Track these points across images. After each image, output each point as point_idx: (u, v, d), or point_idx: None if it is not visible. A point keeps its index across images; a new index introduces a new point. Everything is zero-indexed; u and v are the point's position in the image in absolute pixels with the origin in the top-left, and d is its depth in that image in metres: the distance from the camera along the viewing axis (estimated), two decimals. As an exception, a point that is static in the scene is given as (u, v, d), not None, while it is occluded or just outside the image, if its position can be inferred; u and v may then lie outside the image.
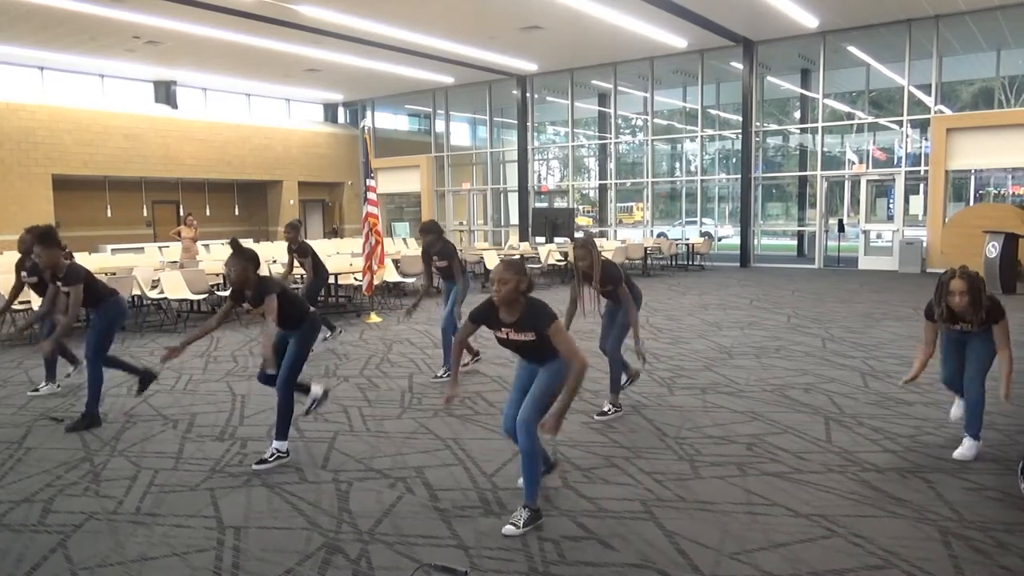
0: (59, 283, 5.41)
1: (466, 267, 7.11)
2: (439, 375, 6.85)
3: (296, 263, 8.68)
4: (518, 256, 3.62)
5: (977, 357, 4.36)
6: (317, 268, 8.57)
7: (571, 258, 14.52)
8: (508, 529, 3.49)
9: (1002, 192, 18.83)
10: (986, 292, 4.24)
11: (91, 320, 5.61)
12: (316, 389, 4.87)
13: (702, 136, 19.86)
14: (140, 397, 5.98)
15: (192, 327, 10.05)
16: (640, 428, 5.16)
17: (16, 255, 6.82)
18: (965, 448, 4.40)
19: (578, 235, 6.51)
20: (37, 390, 6.48)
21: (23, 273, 6.57)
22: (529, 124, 22.31)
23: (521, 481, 3.67)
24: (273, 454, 4.52)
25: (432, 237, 6.87)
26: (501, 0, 14.22)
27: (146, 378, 5.88)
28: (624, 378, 5.65)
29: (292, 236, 8.62)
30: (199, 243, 15.91)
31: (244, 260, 4.41)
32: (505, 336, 3.62)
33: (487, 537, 3.48)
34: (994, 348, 4.31)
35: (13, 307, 9.02)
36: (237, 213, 24.05)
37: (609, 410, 5.44)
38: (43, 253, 5.34)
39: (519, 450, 3.61)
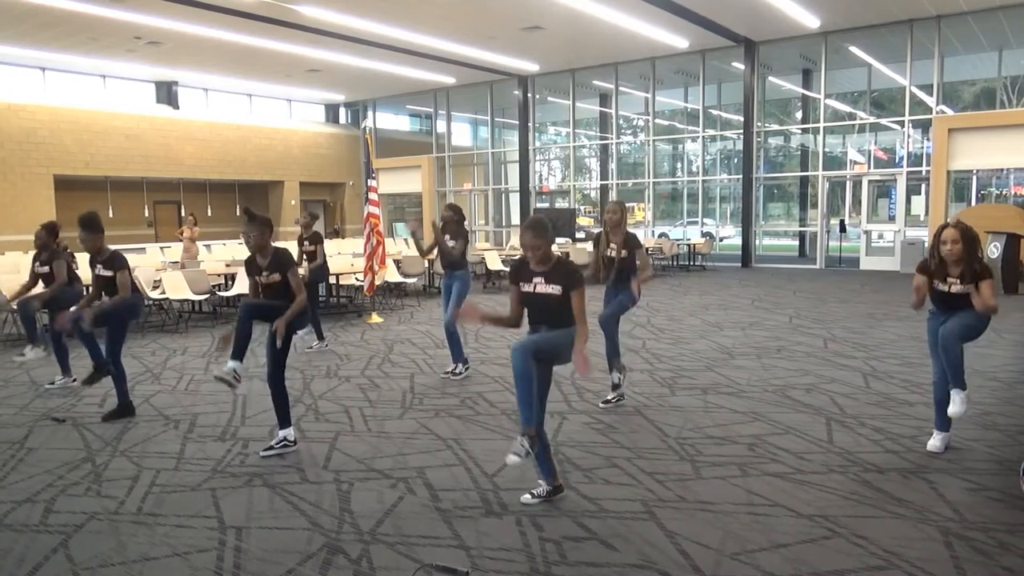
0: (100, 266, 5.58)
1: (467, 263, 7.09)
2: (457, 372, 6.83)
3: (305, 253, 8.66)
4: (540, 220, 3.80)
5: (956, 321, 4.34)
6: (324, 260, 8.56)
7: (573, 257, 14.47)
8: (526, 497, 3.81)
9: (1004, 192, 18.82)
10: (980, 251, 4.32)
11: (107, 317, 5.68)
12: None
13: (703, 136, 19.85)
14: (85, 385, 5.90)
15: (194, 327, 10.05)
16: (641, 428, 5.16)
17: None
18: (956, 404, 4.34)
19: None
20: (53, 383, 6.53)
21: (36, 263, 6.67)
22: (530, 124, 22.31)
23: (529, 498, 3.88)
24: (280, 441, 4.63)
25: (451, 214, 6.92)
26: (502, 0, 14.22)
27: (98, 372, 5.77)
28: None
29: (308, 223, 8.63)
30: (200, 243, 15.91)
31: (261, 225, 4.59)
32: (532, 288, 3.73)
33: (488, 537, 3.48)
34: (975, 321, 4.33)
35: (14, 308, 9.09)
36: (238, 213, 24.05)
37: (619, 379, 5.70)
38: (87, 239, 5.54)
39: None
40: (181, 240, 15.62)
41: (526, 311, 3.84)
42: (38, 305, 6.75)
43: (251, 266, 4.68)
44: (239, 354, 4.57)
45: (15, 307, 6.88)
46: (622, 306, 5.64)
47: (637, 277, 5.52)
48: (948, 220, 4.38)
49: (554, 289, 3.67)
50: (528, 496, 3.85)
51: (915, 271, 4.56)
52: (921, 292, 4.53)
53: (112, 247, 5.69)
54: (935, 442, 4.55)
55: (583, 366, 3.59)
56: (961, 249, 4.26)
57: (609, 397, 5.72)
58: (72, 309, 5.91)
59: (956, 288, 4.34)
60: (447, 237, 6.86)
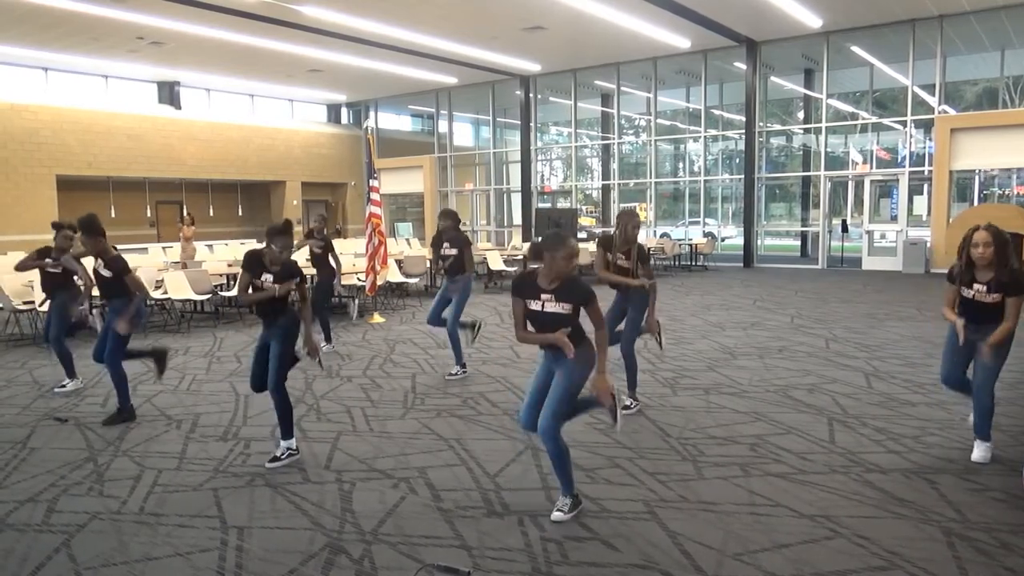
0: (102, 262, 5.58)
1: (472, 267, 7.09)
2: (453, 373, 6.85)
3: (313, 255, 8.61)
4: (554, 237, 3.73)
5: (987, 363, 4.27)
6: (335, 263, 8.52)
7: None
8: (556, 516, 3.62)
9: (1006, 192, 18.79)
10: (1013, 257, 4.16)
11: (109, 319, 5.66)
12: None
13: (705, 136, 19.84)
14: (162, 380, 6.21)
15: (196, 327, 10.06)
16: (643, 429, 5.15)
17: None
18: (982, 451, 4.37)
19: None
20: (64, 386, 6.52)
21: (48, 259, 6.56)
22: (532, 124, 22.31)
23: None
24: (284, 452, 4.58)
25: (448, 223, 6.92)
26: (503, 0, 14.22)
27: (159, 357, 5.90)
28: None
29: (320, 227, 8.57)
30: (202, 243, 15.96)
31: (292, 237, 4.63)
32: (540, 307, 3.61)
33: (490, 537, 3.48)
34: (1005, 351, 4.24)
35: (17, 308, 9.11)
36: (240, 213, 24.09)
37: (632, 404, 5.60)
38: (87, 242, 5.56)
39: (549, 456, 3.64)
40: (185, 240, 15.69)
41: (535, 330, 3.73)
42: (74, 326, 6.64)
43: (253, 264, 4.59)
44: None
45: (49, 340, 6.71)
46: (637, 327, 5.56)
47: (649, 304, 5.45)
48: (980, 223, 4.22)
49: (564, 308, 3.57)
50: (559, 514, 3.65)
51: (946, 280, 4.45)
52: (951, 303, 4.43)
53: (114, 247, 5.69)
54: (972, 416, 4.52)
55: (605, 395, 3.58)
56: (992, 253, 4.11)
57: (628, 403, 5.65)
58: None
59: (980, 296, 4.22)
60: (446, 245, 6.87)
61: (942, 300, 4.55)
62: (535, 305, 3.63)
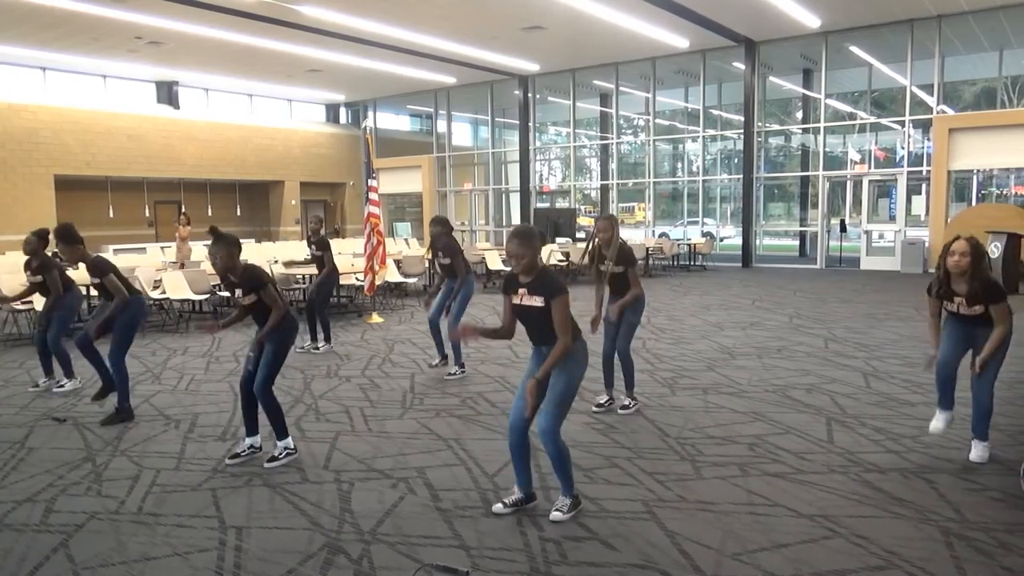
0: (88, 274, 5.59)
1: (469, 268, 7.10)
2: (452, 373, 6.88)
3: (313, 257, 8.67)
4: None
5: (990, 369, 4.27)
6: (332, 266, 8.56)
7: (573, 257, 14.49)
8: (555, 516, 3.62)
9: (1004, 192, 18.82)
10: (990, 270, 4.21)
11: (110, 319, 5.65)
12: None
13: (704, 136, 19.84)
14: (96, 403, 5.90)
15: (196, 327, 10.06)
16: (642, 429, 5.16)
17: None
18: (979, 451, 4.38)
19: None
20: (62, 386, 6.51)
21: (28, 273, 6.60)
22: (531, 124, 22.30)
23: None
24: (283, 451, 4.57)
25: (438, 230, 6.96)
26: (502, 0, 14.22)
27: (107, 389, 5.84)
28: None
29: (316, 228, 8.64)
30: (199, 243, 15.94)
31: (228, 245, 4.48)
32: (519, 300, 3.66)
33: (489, 537, 3.48)
34: (1003, 352, 4.26)
35: (16, 307, 9.10)
36: (239, 213, 24.08)
37: (631, 404, 5.61)
38: (65, 251, 5.57)
39: (549, 457, 3.64)
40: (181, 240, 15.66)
41: (525, 328, 3.76)
42: (53, 330, 6.58)
43: (229, 285, 4.59)
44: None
45: (34, 331, 6.74)
46: (632, 328, 5.58)
47: (621, 300, 5.44)
48: (960, 234, 4.26)
49: (537, 300, 3.58)
50: (558, 514, 3.64)
51: (926, 294, 4.47)
52: (936, 327, 4.46)
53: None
54: (938, 424, 4.50)
55: (531, 394, 3.51)
56: (969, 263, 4.15)
57: (627, 403, 5.65)
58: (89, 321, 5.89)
59: (964, 310, 4.25)
60: (440, 255, 6.93)
61: (927, 319, 4.57)
62: (516, 299, 3.69)
